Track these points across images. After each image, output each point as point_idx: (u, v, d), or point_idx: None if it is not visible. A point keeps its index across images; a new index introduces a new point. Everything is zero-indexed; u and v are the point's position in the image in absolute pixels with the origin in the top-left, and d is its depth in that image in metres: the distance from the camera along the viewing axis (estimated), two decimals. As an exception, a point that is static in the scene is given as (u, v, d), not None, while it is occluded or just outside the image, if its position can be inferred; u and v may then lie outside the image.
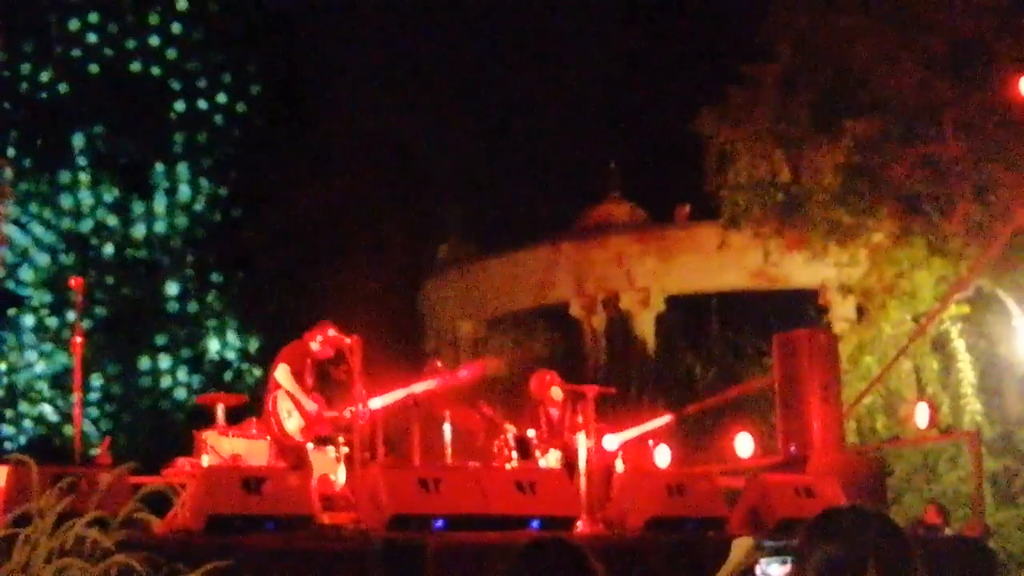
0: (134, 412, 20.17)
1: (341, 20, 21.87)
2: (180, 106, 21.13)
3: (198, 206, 21.11)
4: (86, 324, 16.04)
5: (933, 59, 14.24)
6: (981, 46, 14.07)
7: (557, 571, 2.87)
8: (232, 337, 20.90)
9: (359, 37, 21.72)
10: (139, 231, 20.76)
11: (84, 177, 20.55)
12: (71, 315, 16.63)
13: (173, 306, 20.69)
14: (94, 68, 20.77)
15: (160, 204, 20.91)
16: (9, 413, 19.87)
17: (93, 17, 20.86)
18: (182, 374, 20.48)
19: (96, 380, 19.69)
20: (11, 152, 20.07)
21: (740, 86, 15.28)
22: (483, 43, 22.16)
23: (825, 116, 14.73)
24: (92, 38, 20.88)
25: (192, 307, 20.78)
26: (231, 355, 20.87)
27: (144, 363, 20.28)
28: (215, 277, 21.06)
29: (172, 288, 20.67)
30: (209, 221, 21.26)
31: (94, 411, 19.57)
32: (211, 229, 21.22)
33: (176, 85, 21.17)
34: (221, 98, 21.44)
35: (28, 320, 20.12)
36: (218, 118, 21.34)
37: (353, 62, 21.46)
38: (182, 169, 21.04)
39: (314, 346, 10.35)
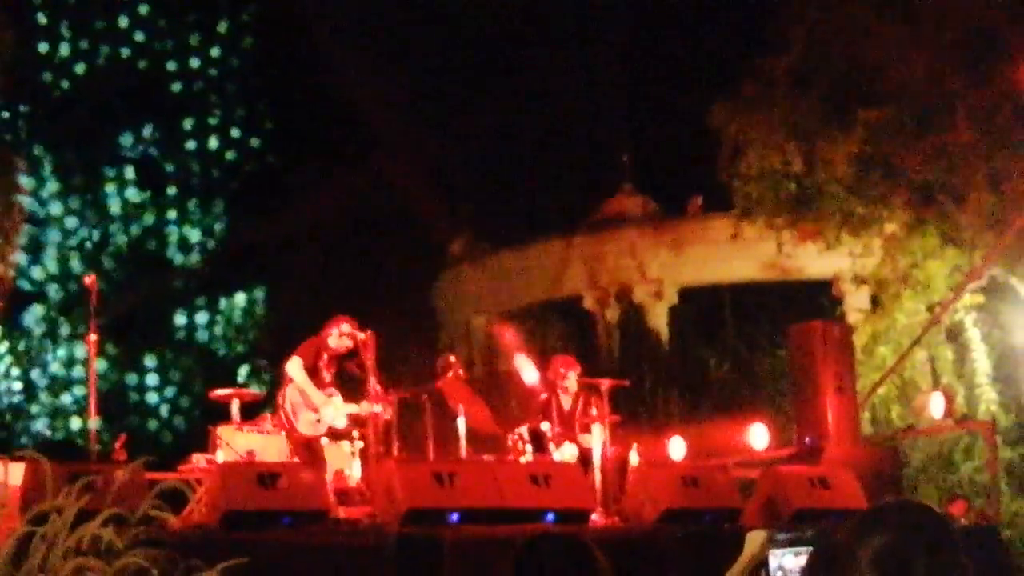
0: (147, 409, 20.30)
1: (350, 14, 21.88)
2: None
3: (214, 209, 21.28)
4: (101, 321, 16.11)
5: (945, 49, 14.19)
6: (993, 35, 14.01)
7: (560, 565, 2.86)
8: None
9: (369, 31, 21.73)
10: (153, 230, 20.88)
11: (102, 175, 20.68)
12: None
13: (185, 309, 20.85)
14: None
15: (174, 202, 21.04)
16: (28, 409, 19.98)
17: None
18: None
19: (111, 376, 19.81)
20: (24, 151, 20.15)
21: (752, 78, 15.25)
22: (495, 36, 22.13)
23: (837, 107, 14.68)
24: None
25: (203, 314, 20.93)
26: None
27: (148, 368, 20.41)
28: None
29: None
30: (222, 220, 21.39)
31: (109, 407, 19.69)
32: (225, 227, 21.36)
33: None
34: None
35: (42, 317, 20.20)
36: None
37: (366, 57, 21.46)
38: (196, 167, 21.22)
39: (331, 341, 10.34)
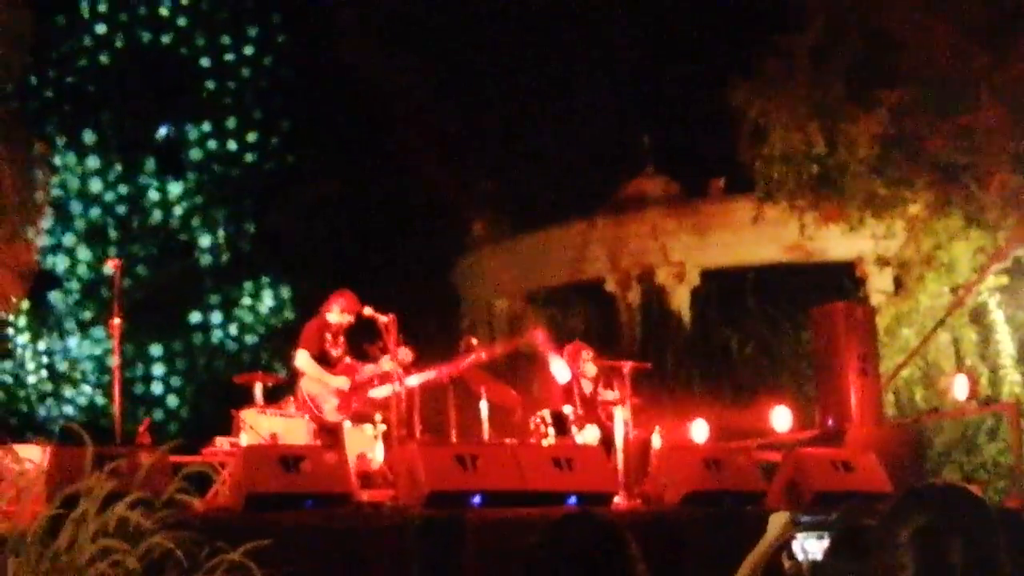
0: (177, 389, 20.39)
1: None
2: (211, 81, 21.40)
3: (231, 181, 21.33)
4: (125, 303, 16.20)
5: (969, 26, 14.06)
6: (1019, 13, 13.89)
7: (587, 546, 2.86)
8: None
9: (389, 11, 21.71)
10: (174, 208, 20.95)
11: (117, 156, 20.74)
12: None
13: (210, 284, 20.92)
14: (121, 44, 20.99)
15: (193, 182, 21.10)
16: (51, 392, 20.09)
17: None
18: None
19: (137, 359, 19.91)
20: (49, 134, 20.21)
21: (773, 57, 15.16)
22: (515, 18, 22.07)
23: (860, 86, 14.58)
24: (122, 17, 21.08)
25: (227, 283, 21.03)
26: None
27: (194, 330, 20.59)
28: (247, 246, 21.27)
29: (206, 257, 20.92)
30: (243, 199, 21.44)
31: (136, 389, 19.79)
32: (245, 209, 21.39)
33: (206, 62, 21.40)
34: (257, 57, 21.71)
35: (67, 301, 20.30)
36: (250, 73, 21.64)
37: (386, 39, 21.45)
38: (214, 146, 21.27)
39: (331, 317, 10.36)
